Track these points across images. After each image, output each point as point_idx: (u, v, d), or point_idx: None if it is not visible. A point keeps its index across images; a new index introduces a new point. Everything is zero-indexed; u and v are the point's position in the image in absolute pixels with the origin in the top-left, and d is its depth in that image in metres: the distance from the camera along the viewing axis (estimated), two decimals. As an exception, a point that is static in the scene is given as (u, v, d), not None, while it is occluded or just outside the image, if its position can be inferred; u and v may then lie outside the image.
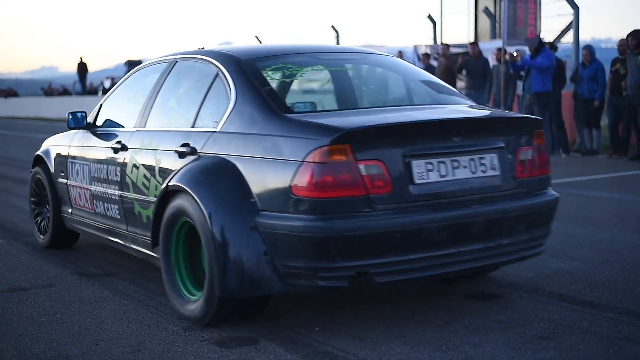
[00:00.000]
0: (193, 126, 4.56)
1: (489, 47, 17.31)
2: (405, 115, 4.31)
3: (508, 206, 4.15)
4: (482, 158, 4.13)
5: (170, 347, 3.96)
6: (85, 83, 38.45)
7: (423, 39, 30.50)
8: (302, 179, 3.71)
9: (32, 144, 19.96)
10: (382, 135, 3.82)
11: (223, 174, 4.06)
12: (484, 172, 4.12)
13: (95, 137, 5.63)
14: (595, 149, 13.80)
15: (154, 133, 4.87)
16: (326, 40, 25.09)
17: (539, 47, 12.15)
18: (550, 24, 25.88)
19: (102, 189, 5.39)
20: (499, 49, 13.55)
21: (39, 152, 6.61)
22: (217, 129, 4.31)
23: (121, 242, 5.25)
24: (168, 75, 5.09)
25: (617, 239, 6.49)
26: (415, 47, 20.77)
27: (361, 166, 3.74)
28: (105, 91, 35.92)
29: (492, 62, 15.85)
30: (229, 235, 3.88)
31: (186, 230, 4.34)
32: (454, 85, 16.23)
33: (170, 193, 4.34)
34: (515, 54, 13.37)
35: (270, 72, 4.57)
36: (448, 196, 3.97)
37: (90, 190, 5.58)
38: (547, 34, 18.19)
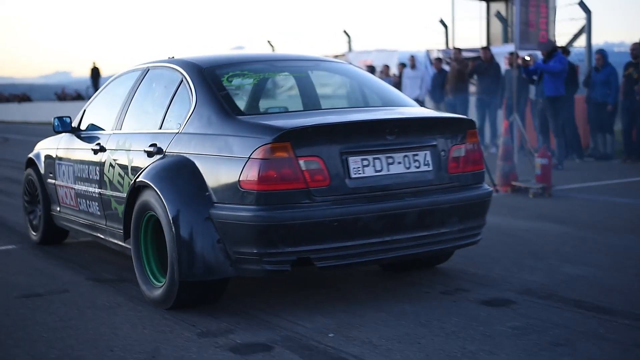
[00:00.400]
0: (160, 128, 5.08)
1: (501, 52, 17.26)
2: (344, 116, 4.80)
3: (440, 199, 4.62)
4: (416, 155, 4.62)
5: (184, 353, 3.96)
6: (98, 88, 38.48)
7: (435, 44, 30.47)
8: (249, 174, 4.21)
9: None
10: (320, 134, 4.34)
11: (183, 171, 4.57)
12: (417, 167, 4.61)
13: (79, 140, 6.13)
14: (609, 153, 13.72)
15: (128, 135, 5.40)
16: (339, 45, 25.07)
17: (552, 51, 12.09)
18: (563, 28, 25.84)
19: (84, 188, 5.90)
20: (511, 54, 13.47)
21: (30, 155, 7.13)
22: (180, 130, 4.84)
23: (102, 236, 5.74)
24: (141, 82, 5.65)
25: (632, 244, 6.45)
26: (428, 52, 20.76)
27: (301, 162, 4.24)
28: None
29: (504, 66, 15.80)
30: (187, 226, 4.39)
31: (153, 222, 4.81)
32: (466, 90, 16.20)
33: (137, 189, 4.85)
34: (527, 58, 13.30)
35: (228, 79, 5.07)
36: (383, 189, 4.45)
37: (74, 189, 6.09)
38: (560, 38, 18.12)
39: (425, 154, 4.65)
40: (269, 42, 25.07)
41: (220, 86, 4.92)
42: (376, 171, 4.47)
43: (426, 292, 4.98)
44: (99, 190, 5.63)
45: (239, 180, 4.26)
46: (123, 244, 5.26)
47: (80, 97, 40.45)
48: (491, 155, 13.17)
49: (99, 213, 5.70)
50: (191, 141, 4.68)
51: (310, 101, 5.62)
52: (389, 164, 4.52)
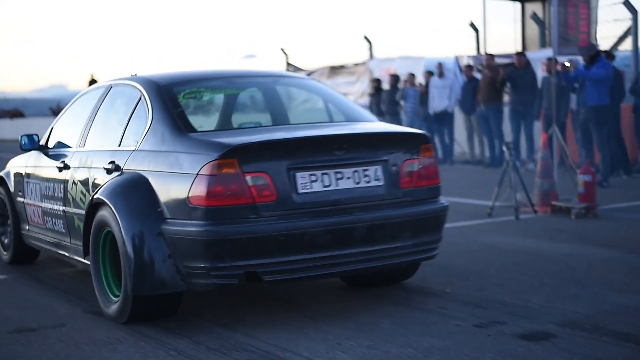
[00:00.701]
0: (119, 145, 5.56)
1: (538, 57, 17.20)
2: (293, 132, 5.25)
3: (391, 213, 5.01)
4: (366, 170, 5.02)
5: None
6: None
7: (465, 49, 30.46)
8: (197, 190, 4.65)
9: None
10: (267, 150, 4.78)
11: (137, 187, 5.04)
12: (367, 182, 5.00)
13: (46, 158, 6.61)
14: (660, 168, 13.65)
15: (90, 152, 5.89)
16: (360, 52, 25.06)
17: (594, 55, 12.04)
18: (606, 30, 25.75)
19: (50, 206, 6.34)
20: (549, 59, 13.44)
21: (0, 173, 7.52)
22: (137, 148, 5.30)
23: (66, 254, 6.15)
24: (104, 99, 6.13)
25: (687, 270, 6.39)
26: (457, 58, 20.73)
27: (248, 178, 4.66)
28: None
29: (541, 73, 15.76)
30: (139, 241, 4.83)
31: (111, 238, 5.21)
32: (499, 99, 16.17)
33: (95, 205, 5.30)
34: (567, 64, 13.28)
35: (184, 96, 5.52)
36: (331, 204, 4.85)
37: (41, 207, 6.53)
38: (603, 42, 18.10)
39: (376, 168, 5.06)
40: (282, 50, 25.18)
41: (176, 103, 5.36)
42: (324, 186, 4.88)
43: (457, 324, 4.95)
44: (63, 207, 6.06)
45: (188, 197, 4.71)
46: (84, 261, 5.66)
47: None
48: (528, 172, 13.11)
49: (63, 231, 6.13)
50: (146, 158, 5.16)
51: (265, 117, 6.07)
52: (337, 179, 4.92)
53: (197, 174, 4.67)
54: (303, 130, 5.33)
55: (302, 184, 4.81)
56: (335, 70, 23.88)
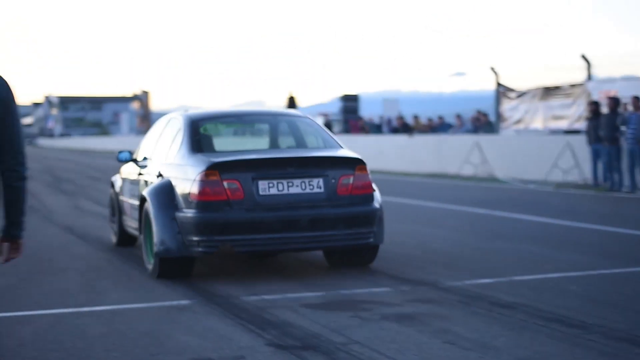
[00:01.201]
0: (165, 160, 8.49)
1: None
2: (261, 154, 8.19)
3: (328, 211, 7.69)
4: (311, 181, 7.73)
5: None
6: (294, 121, 39.50)
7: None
8: (194, 189, 7.52)
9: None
10: (237, 166, 7.63)
11: (164, 188, 7.98)
12: (311, 189, 7.72)
13: (134, 167, 9.53)
14: None
15: (153, 163, 8.85)
16: (577, 72, 24.24)
17: None
18: None
19: (133, 201, 9.09)
20: None
21: (112, 178, 10.72)
22: (172, 162, 8.26)
23: (141, 235, 8.57)
24: (166, 126, 9.14)
25: None
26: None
27: (225, 183, 7.48)
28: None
29: None
30: (161, 223, 7.73)
31: (149, 221, 8.05)
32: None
33: (142, 200, 8.36)
34: None
35: (204, 128, 8.52)
36: (283, 203, 7.64)
37: (129, 202, 9.37)
38: None
39: (319, 180, 7.78)
40: (492, 69, 24.82)
41: (196, 133, 8.30)
42: (278, 191, 7.66)
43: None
44: (138, 202, 8.68)
45: (189, 193, 7.62)
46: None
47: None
48: None
49: (138, 219, 8.68)
50: (173, 169, 8.14)
51: (253, 144, 9.69)
52: (289, 186, 7.68)
53: (194, 180, 7.58)
54: (269, 153, 8.49)
55: (262, 188, 7.63)
56: (549, 91, 23.23)
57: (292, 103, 39.89)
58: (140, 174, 9.04)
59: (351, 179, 7.84)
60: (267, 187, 7.60)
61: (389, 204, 15.77)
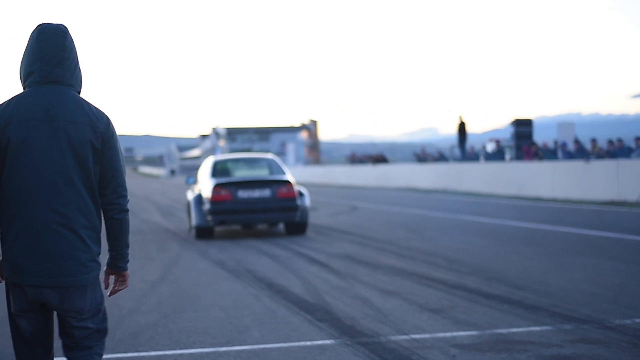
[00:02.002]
0: (202, 180, 18.06)
1: None
2: (242, 177, 17.90)
3: (272, 204, 16.97)
4: (264, 190, 17.06)
5: None
6: (464, 147, 39.02)
7: None
8: (209, 195, 16.89)
9: (396, 219, 20.53)
10: (227, 184, 17.12)
11: (198, 194, 17.39)
12: (264, 194, 16.99)
13: (193, 186, 18.89)
14: None
15: (198, 184, 18.43)
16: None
17: None
18: None
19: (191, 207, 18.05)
20: None
21: (188, 196, 18.88)
22: (203, 181, 17.89)
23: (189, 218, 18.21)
24: (206, 163, 18.89)
25: None
26: None
27: (222, 192, 16.87)
28: (488, 157, 36.17)
29: None
30: (197, 212, 17.12)
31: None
32: None
33: (188, 201, 18.19)
34: None
35: (220, 165, 18.55)
36: (250, 200, 16.98)
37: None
38: None
39: (268, 189, 17.01)
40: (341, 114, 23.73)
41: (216, 167, 18.11)
42: (248, 195, 16.85)
43: None
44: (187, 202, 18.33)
45: (208, 197, 16.86)
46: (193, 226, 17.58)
47: (442, 157, 41.38)
48: None
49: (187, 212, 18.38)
50: (203, 184, 17.56)
51: (241, 173, 18.84)
52: (253, 192, 16.89)
53: (210, 190, 16.80)
54: (246, 177, 17.79)
55: (240, 194, 16.76)
56: None
57: (462, 129, 39.38)
58: (192, 189, 18.66)
59: (283, 189, 17.15)
60: (242, 193, 16.92)
61: (558, 234, 15.38)
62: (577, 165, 27.00)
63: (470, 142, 41.65)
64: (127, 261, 4.18)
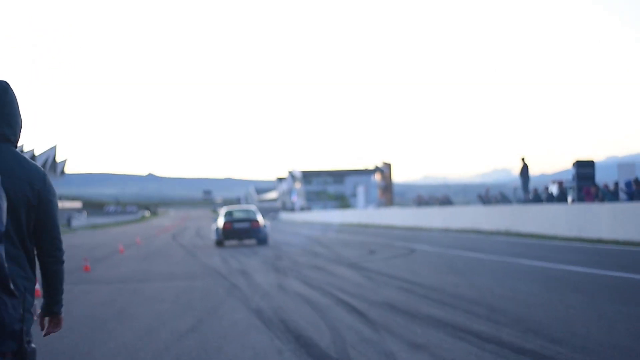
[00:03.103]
0: (220, 217, 37.56)
1: None
2: (236, 218, 36.32)
3: (250, 232, 35.28)
4: (245, 223, 35.46)
5: None
6: (527, 189, 38.07)
7: None
8: (222, 226, 35.24)
9: (450, 263, 19.74)
10: (230, 221, 35.51)
11: (217, 224, 36.35)
12: (245, 226, 35.27)
13: (216, 222, 38.35)
14: None
15: (218, 221, 37.76)
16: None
17: None
18: None
19: (214, 227, 37.50)
20: None
21: (212, 226, 41.66)
22: (220, 218, 37.13)
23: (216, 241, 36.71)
24: (223, 209, 39.92)
25: None
26: None
27: (227, 225, 35.17)
28: (551, 198, 35.17)
29: None
30: (215, 233, 35.87)
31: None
32: None
33: (214, 230, 37.03)
34: None
35: (227, 212, 37.13)
36: (239, 229, 35.41)
37: (216, 227, 37.13)
38: None
39: (248, 223, 35.21)
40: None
41: (226, 213, 36.81)
42: (239, 226, 35.10)
43: None
44: (217, 226, 36.19)
45: (221, 226, 35.13)
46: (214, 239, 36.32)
47: (505, 199, 40.41)
48: None
49: (216, 234, 35.84)
50: (219, 221, 36.09)
51: (240, 215, 36.73)
52: (241, 224, 35.20)
53: (223, 223, 35.17)
54: (238, 217, 36.06)
55: (235, 225, 35.02)
56: None
57: (525, 171, 38.45)
58: (216, 223, 36.53)
59: (255, 223, 34.87)
60: (236, 225, 34.85)
61: (608, 280, 14.46)
62: (637, 206, 25.94)
63: (534, 184, 40.60)
64: (62, 305, 4.33)
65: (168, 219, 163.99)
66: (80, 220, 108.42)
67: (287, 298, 13.75)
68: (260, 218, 35.37)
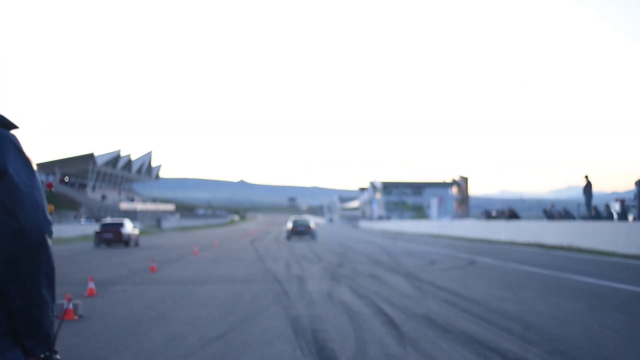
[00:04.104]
0: (289, 221, 60.81)
1: None
2: (297, 223, 54.99)
3: (306, 231, 53.46)
4: (303, 227, 54.06)
5: None
6: (590, 205, 36.76)
7: None
8: (290, 228, 53.67)
9: (503, 276, 18.86)
10: (294, 224, 54.72)
11: (287, 228, 55.78)
12: (304, 229, 53.98)
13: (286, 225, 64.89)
14: None
15: (287, 224, 59.54)
16: None
17: None
18: None
19: (286, 228, 61.02)
20: None
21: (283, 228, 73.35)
22: (288, 223, 59.78)
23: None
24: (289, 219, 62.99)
25: None
26: None
27: (292, 227, 53.77)
28: (610, 216, 33.87)
29: None
30: (285, 233, 55.90)
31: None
32: None
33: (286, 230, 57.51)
34: None
35: (294, 219, 55.96)
36: (300, 229, 53.97)
37: (286, 228, 57.96)
38: None
39: (305, 227, 54.04)
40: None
41: (293, 220, 55.60)
42: (299, 229, 53.40)
43: None
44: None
45: (289, 229, 53.74)
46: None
47: (569, 215, 39.09)
48: None
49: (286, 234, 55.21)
50: (288, 224, 56.01)
51: (299, 221, 56.02)
52: (301, 228, 53.49)
53: (291, 226, 53.63)
54: (299, 222, 55.07)
55: (297, 228, 53.80)
56: None
57: (588, 188, 37.12)
58: (286, 226, 59.86)
59: (310, 226, 52.74)
60: (298, 228, 52.77)
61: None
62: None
63: (595, 201, 39.22)
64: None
65: (255, 223, 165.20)
66: (170, 222, 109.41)
67: (330, 307, 13.18)
68: (312, 224, 53.87)
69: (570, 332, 10.19)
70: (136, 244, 44.54)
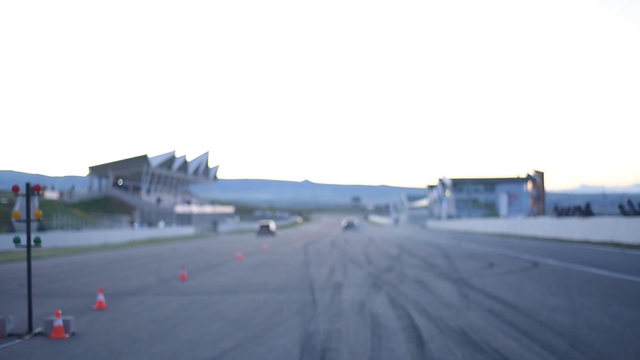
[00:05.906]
0: (343, 222, 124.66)
1: None
2: (348, 222, 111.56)
3: (353, 227, 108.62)
4: (352, 223, 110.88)
5: None
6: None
7: None
8: (344, 225, 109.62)
9: (564, 281, 17.60)
10: (347, 223, 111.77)
11: (343, 225, 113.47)
12: (353, 225, 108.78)
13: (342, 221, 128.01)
14: None
15: (343, 221, 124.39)
16: None
17: None
18: None
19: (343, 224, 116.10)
20: None
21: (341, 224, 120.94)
22: (343, 221, 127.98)
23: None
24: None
25: None
26: None
27: (344, 224, 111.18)
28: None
29: None
30: (342, 228, 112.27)
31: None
32: None
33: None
34: None
35: (346, 220, 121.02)
36: (350, 225, 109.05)
37: (343, 225, 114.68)
38: None
39: (353, 223, 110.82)
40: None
41: (347, 221, 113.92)
42: (349, 225, 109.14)
43: None
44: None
45: (344, 225, 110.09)
46: None
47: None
48: None
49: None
50: (343, 222, 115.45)
51: (351, 220, 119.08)
52: (351, 224, 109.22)
53: (345, 224, 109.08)
54: (350, 221, 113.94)
55: (348, 224, 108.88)
56: None
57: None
58: (342, 223, 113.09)
59: (356, 223, 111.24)
60: (348, 225, 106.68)
61: None
62: None
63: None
64: None
65: (319, 224, 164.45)
66: (227, 225, 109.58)
67: (355, 320, 12.22)
68: (356, 222, 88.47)
69: (623, 351, 9.08)
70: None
